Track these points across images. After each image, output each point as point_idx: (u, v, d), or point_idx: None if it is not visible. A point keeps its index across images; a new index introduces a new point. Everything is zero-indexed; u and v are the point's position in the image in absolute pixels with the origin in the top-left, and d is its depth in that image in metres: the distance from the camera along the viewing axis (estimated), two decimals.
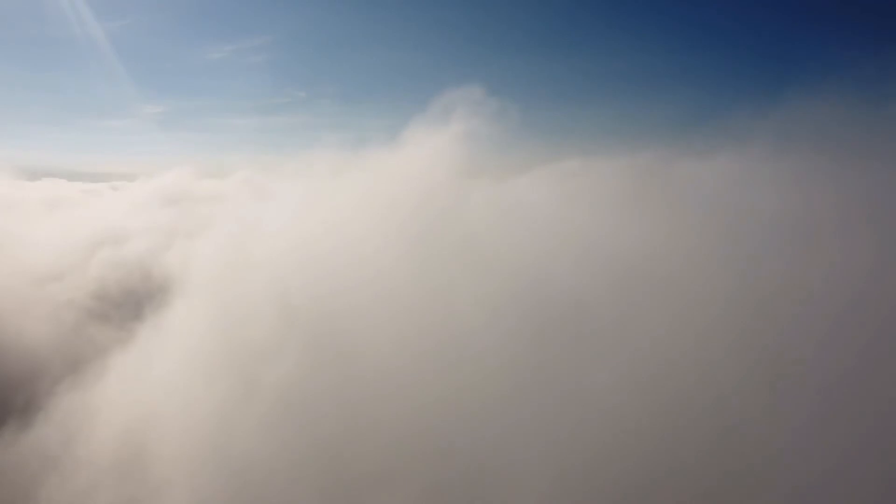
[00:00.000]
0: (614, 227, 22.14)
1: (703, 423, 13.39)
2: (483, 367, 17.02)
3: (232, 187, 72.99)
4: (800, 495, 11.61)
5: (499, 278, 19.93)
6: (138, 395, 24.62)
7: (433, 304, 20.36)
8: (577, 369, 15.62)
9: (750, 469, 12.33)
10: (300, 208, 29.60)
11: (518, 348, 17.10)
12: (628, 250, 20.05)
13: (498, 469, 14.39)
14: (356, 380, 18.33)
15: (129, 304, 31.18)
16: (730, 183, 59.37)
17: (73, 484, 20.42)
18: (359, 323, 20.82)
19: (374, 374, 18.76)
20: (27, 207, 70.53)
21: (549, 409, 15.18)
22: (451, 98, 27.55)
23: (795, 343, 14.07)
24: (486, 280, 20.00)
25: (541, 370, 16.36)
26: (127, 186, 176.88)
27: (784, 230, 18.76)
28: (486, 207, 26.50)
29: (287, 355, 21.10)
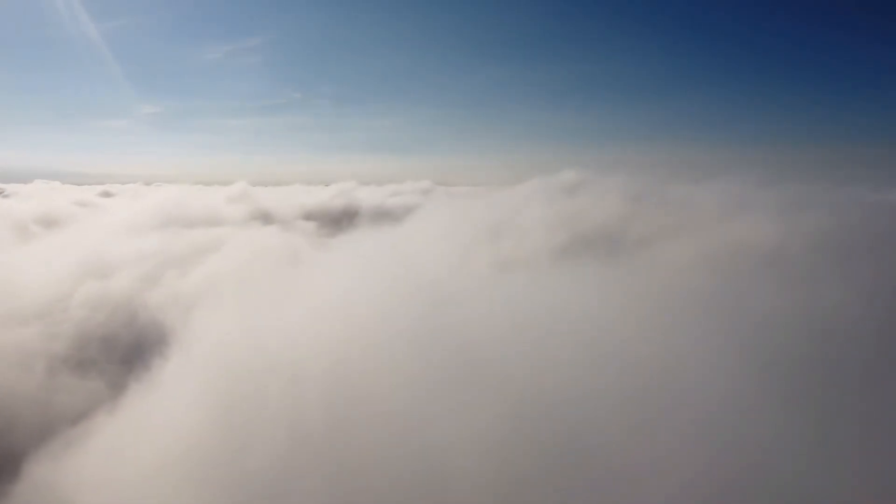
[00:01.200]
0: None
1: None
2: None
3: (229, 207, 69.63)
4: None
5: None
6: (120, 472, 20.91)
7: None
8: None
9: None
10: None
11: None
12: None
13: None
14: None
15: (115, 352, 27.30)
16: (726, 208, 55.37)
17: None
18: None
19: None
20: (8, 224, 66.58)
21: None
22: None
23: None
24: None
25: None
26: (121, 191, 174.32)
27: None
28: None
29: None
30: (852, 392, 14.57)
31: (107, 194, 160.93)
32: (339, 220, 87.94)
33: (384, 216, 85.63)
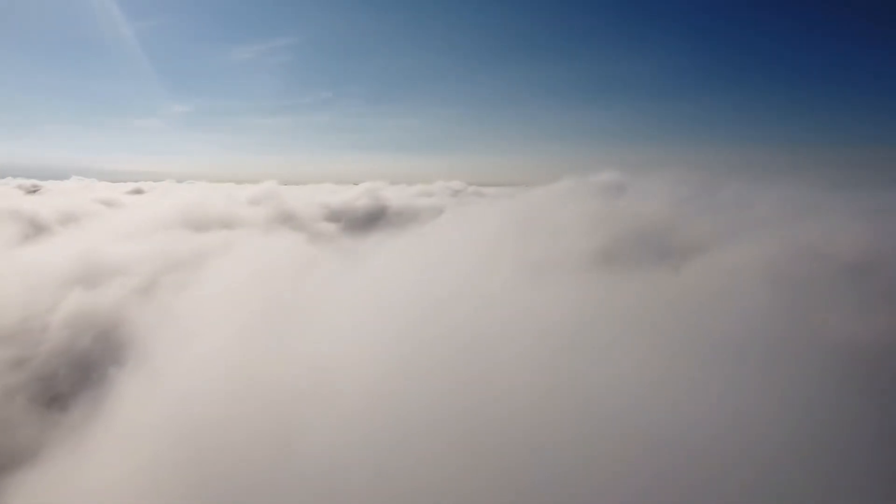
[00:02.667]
0: None
1: None
2: None
3: (250, 208, 66.56)
4: None
5: None
6: None
7: None
8: None
9: None
10: None
11: None
12: None
13: None
14: None
15: (85, 375, 23.71)
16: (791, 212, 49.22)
17: None
18: None
19: None
20: (26, 221, 64.87)
21: None
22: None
23: None
24: None
25: None
26: (152, 189, 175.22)
27: None
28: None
29: None
30: None
31: (138, 192, 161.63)
32: (364, 221, 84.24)
33: (412, 218, 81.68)
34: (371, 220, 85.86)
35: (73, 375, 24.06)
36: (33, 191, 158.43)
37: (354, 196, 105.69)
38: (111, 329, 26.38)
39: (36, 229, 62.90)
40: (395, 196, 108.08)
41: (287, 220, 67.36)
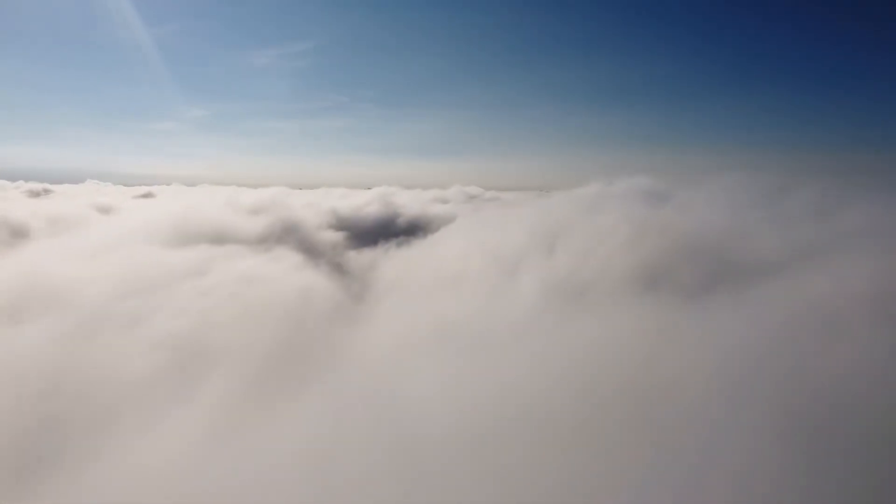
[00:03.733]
0: None
1: None
2: None
3: (248, 217, 60.55)
4: None
5: None
6: None
7: None
8: None
9: None
10: None
11: None
12: None
13: None
14: None
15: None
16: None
17: None
18: None
19: None
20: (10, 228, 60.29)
21: None
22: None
23: None
24: None
25: None
26: (161, 192, 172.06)
27: None
28: None
29: None
30: None
31: (149, 195, 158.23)
32: (373, 230, 78.00)
33: (425, 226, 75.28)
34: (382, 228, 79.62)
35: None
36: (37, 194, 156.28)
37: (365, 202, 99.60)
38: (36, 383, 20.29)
39: (14, 236, 58.25)
40: (408, 202, 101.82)
41: (287, 232, 61.46)
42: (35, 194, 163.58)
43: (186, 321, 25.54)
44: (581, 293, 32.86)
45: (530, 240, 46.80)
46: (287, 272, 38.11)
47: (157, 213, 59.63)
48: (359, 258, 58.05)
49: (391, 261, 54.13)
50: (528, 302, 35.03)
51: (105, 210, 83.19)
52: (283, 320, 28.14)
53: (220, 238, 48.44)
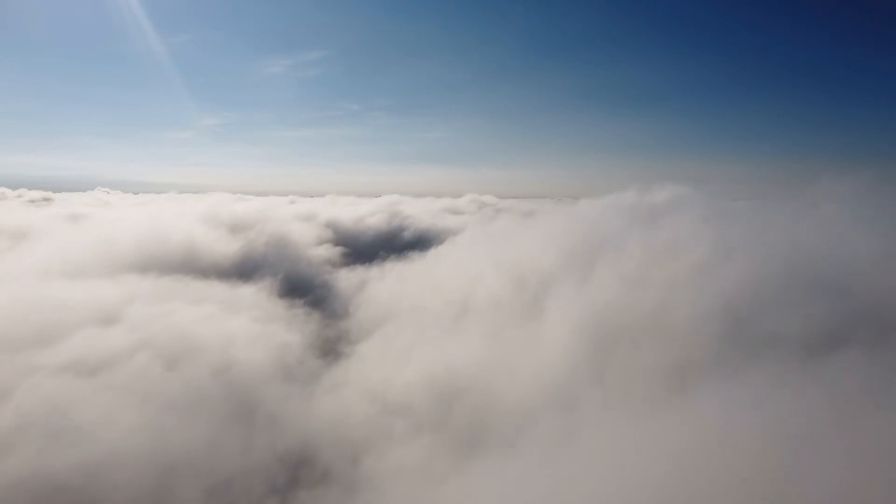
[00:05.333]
0: None
1: None
2: None
3: (234, 234, 51.26)
4: None
5: None
6: None
7: None
8: None
9: None
10: None
11: None
12: None
13: None
14: None
15: None
16: None
17: None
18: None
19: None
20: None
21: None
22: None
23: None
24: None
25: None
26: (152, 200, 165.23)
27: None
28: None
29: None
30: None
31: (145, 203, 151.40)
32: (374, 243, 68.42)
33: (434, 238, 65.30)
34: (384, 242, 69.84)
35: None
36: (34, 202, 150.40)
37: (369, 211, 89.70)
38: None
39: None
40: (416, 212, 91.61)
41: (272, 251, 51.96)
42: (32, 202, 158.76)
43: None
44: (649, 338, 22.87)
45: (561, 258, 36.79)
46: (232, 324, 27.74)
47: (90, 232, 49.72)
48: (351, 277, 48.32)
49: (388, 283, 44.30)
50: (565, 355, 25.00)
51: (75, 219, 74.40)
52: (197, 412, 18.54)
53: (174, 265, 38.90)
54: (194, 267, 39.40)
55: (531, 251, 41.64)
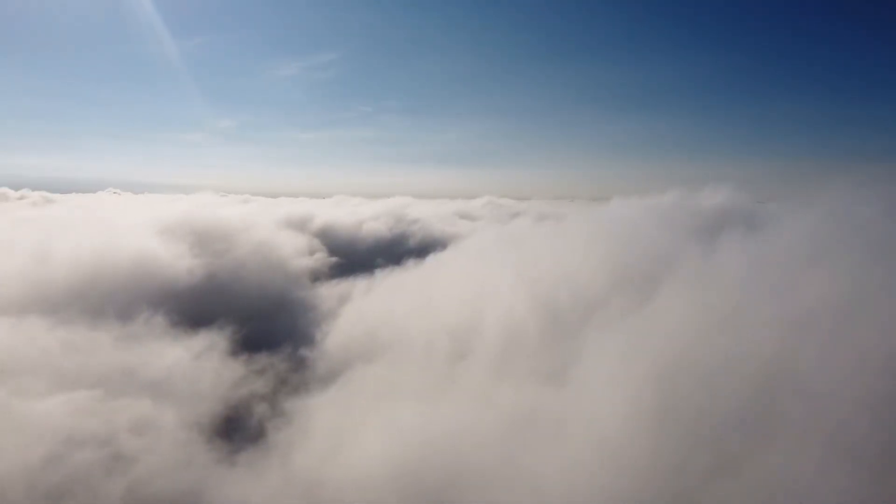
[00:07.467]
0: None
1: None
2: None
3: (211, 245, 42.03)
4: None
5: None
6: None
7: None
8: None
9: None
10: None
11: None
12: None
13: None
14: None
15: None
16: None
17: None
18: None
19: None
20: None
21: None
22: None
23: None
24: None
25: None
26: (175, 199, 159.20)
27: None
28: None
29: None
30: None
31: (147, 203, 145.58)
32: (370, 253, 58.97)
33: (439, 247, 55.69)
34: (383, 250, 60.22)
35: None
36: (34, 203, 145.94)
37: (372, 215, 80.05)
38: None
39: None
40: (424, 215, 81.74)
41: (266, 253, 42.63)
42: (33, 203, 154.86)
43: None
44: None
45: (605, 273, 26.87)
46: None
47: (79, 243, 39.79)
48: (331, 295, 38.80)
49: (373, 301, 34.73)
50: (623, 435, 15.29)
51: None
52: None
53: (75, 301, 29.69)
54: (110, 304, 29.95)
55: (560, 262, 31.75)
